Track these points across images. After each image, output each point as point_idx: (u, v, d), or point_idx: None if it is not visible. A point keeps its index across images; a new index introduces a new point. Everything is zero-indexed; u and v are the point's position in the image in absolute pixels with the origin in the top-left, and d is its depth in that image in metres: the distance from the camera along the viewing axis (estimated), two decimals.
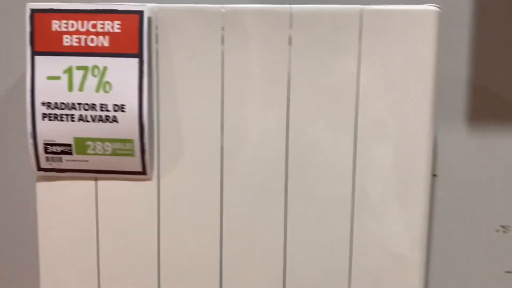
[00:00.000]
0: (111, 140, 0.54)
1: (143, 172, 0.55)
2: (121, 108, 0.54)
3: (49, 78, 0.54)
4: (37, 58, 0.54)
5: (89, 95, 0.53)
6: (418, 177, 0.53)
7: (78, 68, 0.53)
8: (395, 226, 0.54)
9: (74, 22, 0.53)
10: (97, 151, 0.54)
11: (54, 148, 0.55)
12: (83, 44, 0.53)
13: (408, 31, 0.52)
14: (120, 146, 0.54)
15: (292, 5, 0.53)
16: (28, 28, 0.53)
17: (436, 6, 0.52)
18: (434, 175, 0.65)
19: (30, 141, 0.55)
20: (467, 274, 0.66)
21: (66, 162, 0.55)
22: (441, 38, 0.53)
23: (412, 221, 0.54)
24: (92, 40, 0.54)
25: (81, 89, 0.53)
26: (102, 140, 0.54)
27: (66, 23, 0.54)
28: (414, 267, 0.55)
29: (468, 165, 0.65)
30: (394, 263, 0.55)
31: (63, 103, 0.54)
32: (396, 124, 0.53)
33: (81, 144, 0.54)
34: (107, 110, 0.54)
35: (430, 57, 0.52)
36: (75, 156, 0.55)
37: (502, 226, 0.65)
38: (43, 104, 0.54)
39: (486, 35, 0.63)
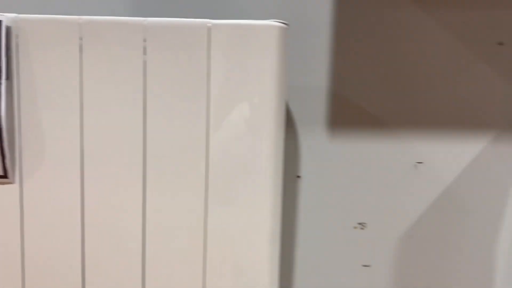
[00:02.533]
0: None
1: (5, 176, 0.58)
2: None
3: None
4: None
5: None
6: (264, 179, 0.58)
7: None
8: (241, 221, 0.59)
9: None
10: None
11: None
12: None
13: (252, 45, 0.56)
14: None
15: (147, 18, 0.56)
16: None
17: (282, 22, 0.57)
18: (298, 177, 0.70)
19: None
20: (329, 268, 0.71)
21: None
22: (287, 51, 0.58)
23: (259, 217, 0.59)
24: None
25: None
26: None
27: None
28: (265, 262, 0.59)
29: (329, 167, 0.70)
30: (243, 257, 0.59)
31: None
32: (243, 134, 0.57)
33: None
34: None
35: (272, 69, 0.57)
36: None
37: (360, 223, 0.71)
38: None
39: (344, 47, 0.69)
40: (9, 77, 0.56)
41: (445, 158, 0.69)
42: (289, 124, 0.70)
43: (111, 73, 0.57)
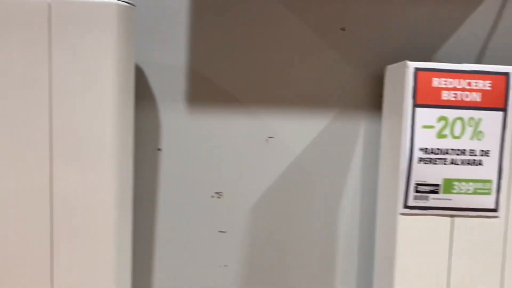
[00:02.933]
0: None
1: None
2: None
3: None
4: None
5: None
6: (105, 145, 0.62)
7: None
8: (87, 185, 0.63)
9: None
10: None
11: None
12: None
13: (92, 23, 0.59)
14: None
15: None
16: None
17: (126, 1, 0.61)
18: (159, 149, 0.75)
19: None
20: (188, 234, 0.77)
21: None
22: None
23: (103, 181, 0.62)
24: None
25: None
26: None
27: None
28: (110, 225, 0.64)
29: (188, 141, 0.75)
30: (88, 219, 0.63)
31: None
32: (85, 105, 0.61)
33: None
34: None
35: (112, 46, 0.60)
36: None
37: (216, 193, 0.77)
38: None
39: (201, 28, 0.73)
40: None
41: (293, 133, 0.76)
42: (150, 101, 0.74)
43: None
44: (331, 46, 0.75)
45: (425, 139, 0.64)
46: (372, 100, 0.76)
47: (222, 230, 0.77)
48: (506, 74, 0.65)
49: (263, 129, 0.76)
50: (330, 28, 0.74)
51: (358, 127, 0.76)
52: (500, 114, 0.65)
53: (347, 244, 0.78)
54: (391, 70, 0.71)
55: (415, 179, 0.65)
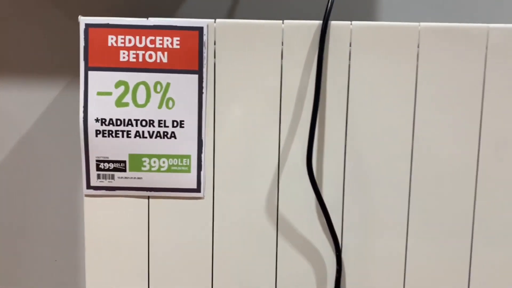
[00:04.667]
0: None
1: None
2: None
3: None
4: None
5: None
6: None
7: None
8: None
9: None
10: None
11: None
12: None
13: None
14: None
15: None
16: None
17: None
18: None
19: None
20: None
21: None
22: None
23: None
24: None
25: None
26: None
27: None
28: None
29: None
30: None
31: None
32: None
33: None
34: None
35: None
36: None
37: None
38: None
39: None
40: None
41: None
42: None
43: None
44: None
45: (102, 108, 0.55)
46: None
47: None
48: (199, 29, 0.54)
49: None
50: None
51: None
52: (194, 77, 0.55)
53: None
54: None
55: (95, 155, 0.55)
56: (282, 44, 0.54)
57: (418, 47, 0.54)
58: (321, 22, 0.53)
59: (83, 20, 0.54)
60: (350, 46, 0.54)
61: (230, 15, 0.65)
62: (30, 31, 0.66)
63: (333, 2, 0.52)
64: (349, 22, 0.54)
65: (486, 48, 0.54)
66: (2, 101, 0.67)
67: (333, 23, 0.53)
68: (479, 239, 0.56)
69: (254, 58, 0.54)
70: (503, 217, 0.56)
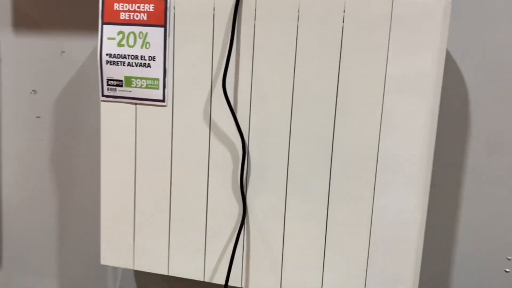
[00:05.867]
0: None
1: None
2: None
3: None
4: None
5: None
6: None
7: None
8: None
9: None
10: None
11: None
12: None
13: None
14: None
15: None
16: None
17: None
18: None
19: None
20: None
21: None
22: None
23: None
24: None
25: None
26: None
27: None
28: None
29: None
30: None
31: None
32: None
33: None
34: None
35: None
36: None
37: None
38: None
39: None
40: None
41: None
42: None
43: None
44: None
45: (110, 47, 0.91)
46: None
47: None
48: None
49: None
50: None
51: None
52: (161, 29, 0.89)
53: None
54: None
55: (106, 76, 0.92)
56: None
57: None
58: None
59: None
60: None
61: None
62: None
63: None
64: None
65: None
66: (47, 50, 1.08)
67: None
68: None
69: (200, 18, 0.87)
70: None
